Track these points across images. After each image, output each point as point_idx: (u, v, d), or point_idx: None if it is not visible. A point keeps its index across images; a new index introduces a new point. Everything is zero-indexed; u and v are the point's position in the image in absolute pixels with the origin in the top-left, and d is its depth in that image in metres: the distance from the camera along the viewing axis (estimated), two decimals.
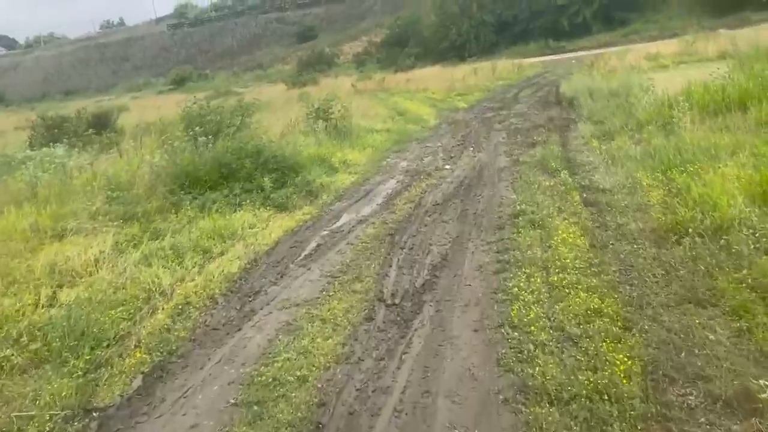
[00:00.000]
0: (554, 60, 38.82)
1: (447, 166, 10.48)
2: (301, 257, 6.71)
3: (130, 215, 8.26)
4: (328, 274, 6.02)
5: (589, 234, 5.85)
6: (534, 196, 7.46)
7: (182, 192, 8.97)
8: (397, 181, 9.90)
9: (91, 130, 16.71)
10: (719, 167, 6.81)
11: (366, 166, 11.30)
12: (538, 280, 4.88)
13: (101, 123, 18.56)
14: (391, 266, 5.99)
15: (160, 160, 10.09)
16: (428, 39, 54.08)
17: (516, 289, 4.79)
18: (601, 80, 19.88)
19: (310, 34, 76.44)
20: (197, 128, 11.02)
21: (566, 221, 6.33)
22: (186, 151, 10.21)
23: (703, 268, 4.53)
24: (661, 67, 23.66)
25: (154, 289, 5.82)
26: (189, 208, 8.49)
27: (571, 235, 5.82)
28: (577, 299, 4.42)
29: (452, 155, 11.44)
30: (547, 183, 7.96)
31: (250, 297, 5.70)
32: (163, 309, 5.44)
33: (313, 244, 7.10)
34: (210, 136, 11.11)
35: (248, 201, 8.68)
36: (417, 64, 47.07)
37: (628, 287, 4.54)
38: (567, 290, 4.62)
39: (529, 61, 38.20)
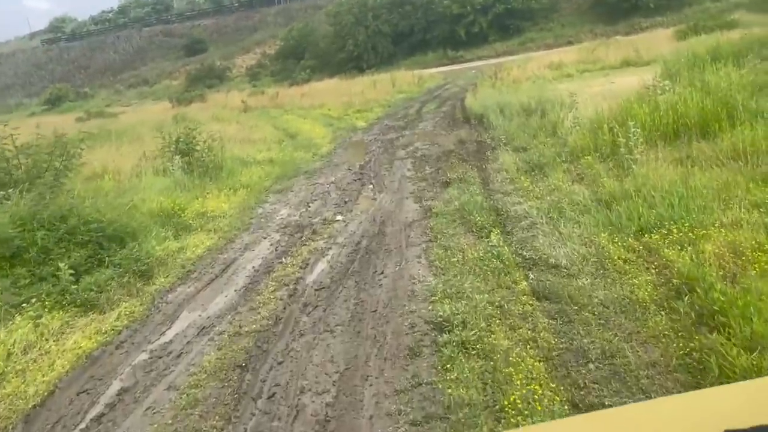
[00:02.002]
0: (454, 70, 37.55)
1: (339, 217, 7.96)
2: (82, 425, 3.93)
3: None
4: None
5: (561, 376, 3.48)
6: (460, 279, 5.06)
7: None
8: (271, 244, 7.25)
9: None
10: (718, 229, 4.71)
11: (233, 219, 8.56)
12: None
13: None
14: None
15: None
16: (324, 50, 51.64)
17: None
18: (508, 93, 18.23)
19: (199, 47, 71.88)
20: None
21: (517, 339, 3.95)
22: None
23: None
24: (566, 76, 22.52)
25: None
26: None
27: (533, 380, 3.43)
28: None
29: (347, 199, 8.93)
30: (475, 253, 5.60)
31: None
32: None
33: (113, 390, 4.33)
34: (11, 190, 8.02)
35: (35, 298, 5.72)
36: (313, 77, 44.59)
37: None
38: None
39: (429, 72, 36.69)
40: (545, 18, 46.89)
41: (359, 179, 10.26)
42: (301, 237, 7.32)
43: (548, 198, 6.80)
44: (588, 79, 20.14)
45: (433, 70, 38.68)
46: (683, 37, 23.78)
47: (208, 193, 9.79)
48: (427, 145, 12.52)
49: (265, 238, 7.57)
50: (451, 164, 9.88)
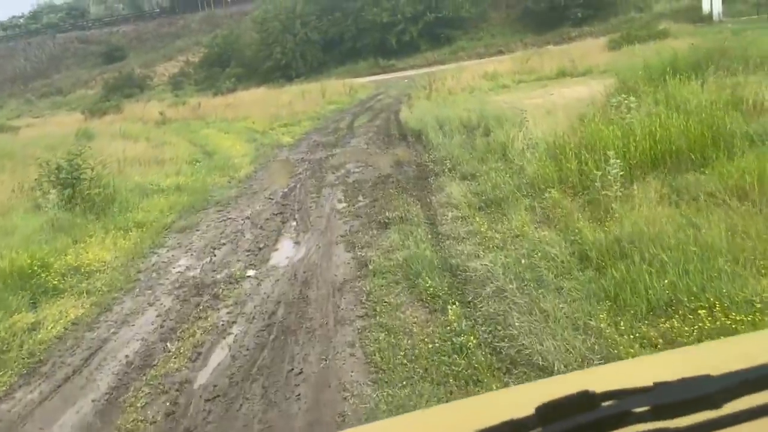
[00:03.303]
0: (386, 79, 36.34)
1: (251, 272, 6.29)
2: None
3: None
4: None
5: None
6: (410, 393, 3.53)
7: None
8: (158, 315, 5.52)
9: None
10: (762, 313, 3.41)
11: (115, 275, 6.72)
12: None
13: None
14: None
15: None
16: (251, 58, 49.45)
17: None
18: (446, 105, 17.09)
19: (117, 54, 67.94)
20: None
21: None
22: None
23: None
24: (502, 87, 21.66)
25: None
26: None
27: None
28: None
29: (263, 243, 7.26)
30: (429, 341, 4.09)
31: None
32: None
33: None
34: None
35: None
36: (240, 86, 42.27)
37: None
38: None
39: (361, 81, 35.30)
40: (475, 27, 46.50)
41: (280, 213, 8.62)
42: (199, 304, 5.61)
43: (513, 248, 5.40)
44: (526, 90, 19.28)
45: (365, 80, 37.34)
46: (617, 47, 23.41)
47: (90, 237, 7.89)
48: (361, 168, 11.02)
49: (151, 304, 5.82)
50: (389, 195, 8.38)
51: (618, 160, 5.64)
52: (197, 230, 8.36)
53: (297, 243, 7.10)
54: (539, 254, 5.06)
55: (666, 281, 3.95)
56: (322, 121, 20.88)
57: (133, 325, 5.38)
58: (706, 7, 31.13)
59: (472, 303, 4.54)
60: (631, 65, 11.57)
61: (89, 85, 63.86)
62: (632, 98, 7.64)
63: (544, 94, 17.29)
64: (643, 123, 6.68)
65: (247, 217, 8.64)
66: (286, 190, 10.17)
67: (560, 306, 4.13)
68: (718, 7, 29.76)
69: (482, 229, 6.00)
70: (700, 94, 7.65)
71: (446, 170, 9.02)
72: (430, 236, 6.17)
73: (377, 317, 4.61)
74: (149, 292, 6.17)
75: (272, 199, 9.66)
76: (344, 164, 11.66)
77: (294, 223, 7.99)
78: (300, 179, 10.90)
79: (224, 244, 7.46)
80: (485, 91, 20.49)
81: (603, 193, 5.68)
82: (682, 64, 9.73)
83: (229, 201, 9.93)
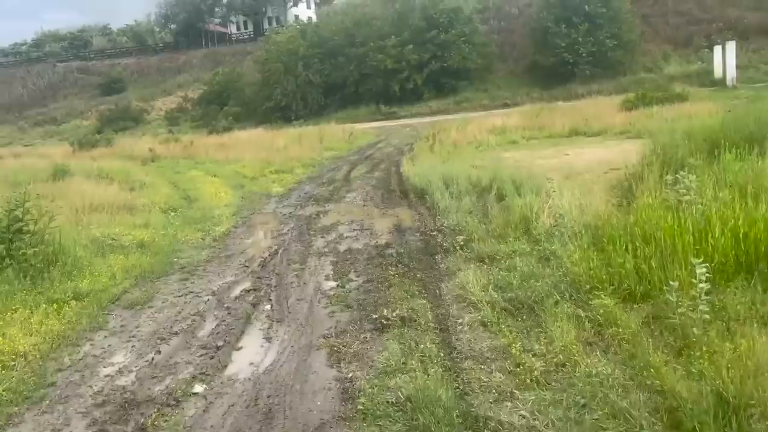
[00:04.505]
0: (387, 127, 35.32)
1: (198, 389, 4.69)
2: None
3: None
4: None
5: None
6: None
7: None
8: None
9: None
10: None
11: (27, 374, 5.09)
12: None
13: None
14: None
15: None
16: (250, 98, 48.70)
17: None
18: (451, 160, 15.86)
19: (116, 86, 67.21)
20: None
21: None
22: None
23: None
24: (510, 143, 20.45)
25: None
26: None
27: None
28: None
29: (222, 339, 5.64)
30: None
31: None
32: None
33: None
34: None
35: None
36: (237, 125, 41.21)
37: None
38: None
39: (361, 127, 34.21)
40: (481, 78, 45.81)
41: (254, 290, 7.06)
42: None
43: (559, 388, 3.84)
44: (537, 149, 17.98)
45: (366, 125, 36.32)
46: (632, 108, 22.30)
47: (14, 312, 6.29)
48: (355, 232, 9.54)
49: None
50: (387, 276, 6.85)
51: (705, 270, 4.13)
52: (149, 307, 6.78)
53: (267, 340, 5.52)
54: (602, 406, 3.50)
55: None
56: (318, 169, 19.56)
57: None
58: (718, 71, 30.38)
59: None
60: (669, 130, 10.22)
61: (85, 115, 62.90)
62: (692, 177, 6.20)
63: (557, 153, 16.04)
64: (721, 213, 5.21)
65: (213, 293, 7.09)
66: (265, 255, 8.65)
67: None
68: (732, 73, 28.95)
69: (513, 350, 4.43)
70: None
71: (457, 246, 7.52)
72: (441, 353, 4.60)
73: None
74: (60, 408, 4.55)
75: (248, 267, 8.14)
76: (336, 225, 10.19)
77: (268, 307, 6.42)
78: (284, 242, 9.41)
79: (176, 333, 5.87)
80: (493, 147, 19.27)
81: (680, 311, 4.17)
82: (734, 135, 8.38)
83: (197, 266, 8.38)
